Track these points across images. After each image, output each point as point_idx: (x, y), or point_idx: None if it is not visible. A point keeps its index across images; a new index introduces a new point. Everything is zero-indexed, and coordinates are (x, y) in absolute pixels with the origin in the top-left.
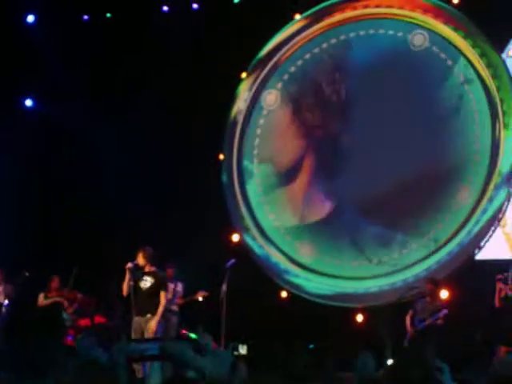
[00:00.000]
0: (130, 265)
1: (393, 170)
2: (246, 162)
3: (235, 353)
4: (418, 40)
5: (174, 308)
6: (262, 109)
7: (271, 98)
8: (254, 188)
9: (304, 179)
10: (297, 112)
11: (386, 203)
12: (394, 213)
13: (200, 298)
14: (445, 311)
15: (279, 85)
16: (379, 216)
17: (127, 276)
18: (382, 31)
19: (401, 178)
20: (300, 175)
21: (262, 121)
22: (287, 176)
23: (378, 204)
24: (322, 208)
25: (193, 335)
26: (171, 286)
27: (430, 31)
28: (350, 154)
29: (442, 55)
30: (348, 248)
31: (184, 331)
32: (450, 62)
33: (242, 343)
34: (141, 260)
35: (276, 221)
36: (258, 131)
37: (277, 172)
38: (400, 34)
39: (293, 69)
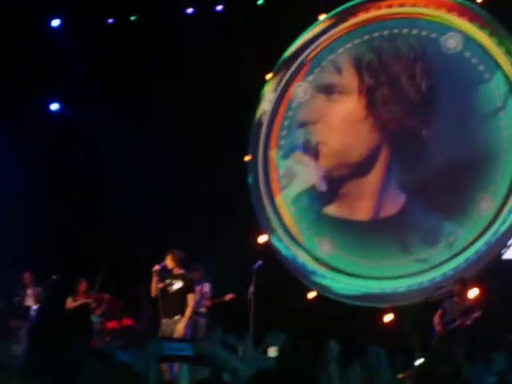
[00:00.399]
0: (156, 267)
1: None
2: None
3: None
4: (452, 43)
5: (202, 310)
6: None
7: (301, 90)
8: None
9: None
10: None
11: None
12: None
13: (228, 300)
14: (477, 313)
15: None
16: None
17: (154, 278)
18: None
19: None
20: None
21: (290, 113)
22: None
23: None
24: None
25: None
26: (198, 287)
27: (456, 30)
28: None
29: (474, 60)
30: (388, 246)
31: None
32: (481, 67)
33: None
34: (169, 262)
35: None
36: (286, 122)
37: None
38: (424, 33)
39: (317, 70)
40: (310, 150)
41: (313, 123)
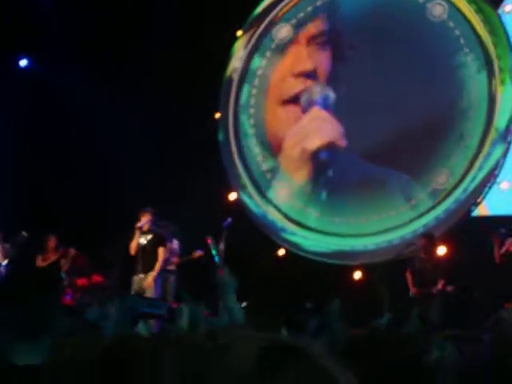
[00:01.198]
0: (139, 224)
1: (394, 122)
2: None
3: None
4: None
5: (171, 267)
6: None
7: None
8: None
9: None
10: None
11: (391, 154)
12: (398, 163)
13: (196, 258)
14: (451, 288)
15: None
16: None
17: (136, 235)
18: None
19: (401, 130)
20: None
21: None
22: None
23: (382, 153)
24: None
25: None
26: (167, 244)
27: None
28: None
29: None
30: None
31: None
32: (451, 23)
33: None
34: (145, 220)
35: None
36: (254, 91)
37: None
38: None
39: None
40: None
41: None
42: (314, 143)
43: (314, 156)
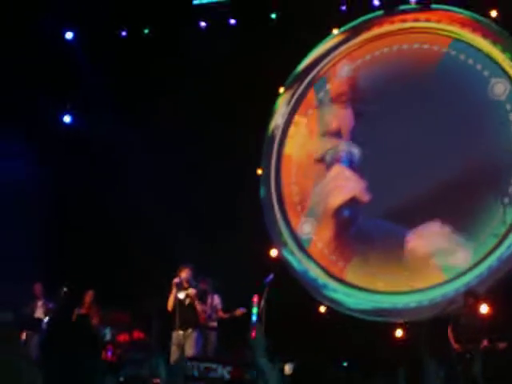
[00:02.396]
0: (176, 280)
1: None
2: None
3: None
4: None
5: (213, 324)
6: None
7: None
8: None
9: None
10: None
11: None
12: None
13: (239, 315)
14: (503, 344)
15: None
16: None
17: (173, 291)
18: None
19: (440, 188)
20: None
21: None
22: None
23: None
24: None
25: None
26: (208, 300)
27: (470, 46)
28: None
29: (486, 73)
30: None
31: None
32: (491, 79)
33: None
34: (184, 275)
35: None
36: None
37: None
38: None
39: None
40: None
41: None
42: (336, 201)
43: (337, 213)
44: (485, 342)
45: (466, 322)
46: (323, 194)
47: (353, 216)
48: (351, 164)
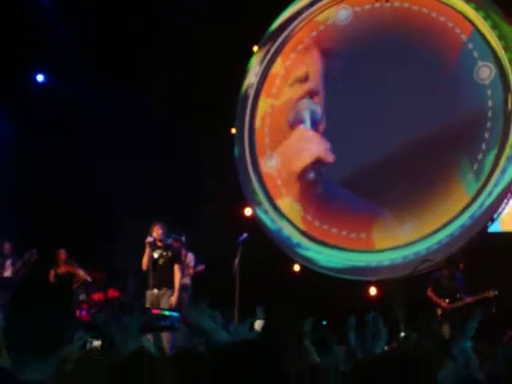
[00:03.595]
0: (149, 239)
1: (401, 136)
2: None
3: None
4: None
5: (186, 282)
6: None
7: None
8: None
9: None
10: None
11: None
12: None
13: (199, 270)
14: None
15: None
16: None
17: (147, 250)
18: None
19: (408, 146)
20: None
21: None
22: None
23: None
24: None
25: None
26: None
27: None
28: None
29: (457, 30)
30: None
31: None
32: (463, 37)
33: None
34: (157, 234)
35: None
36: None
37: None
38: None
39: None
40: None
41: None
42: (301, 163)
43: (302, 176)
44: (468, 299)
45: (448, 283)
46: (286, 157)
47: (318, 177)
48: (313, 123)
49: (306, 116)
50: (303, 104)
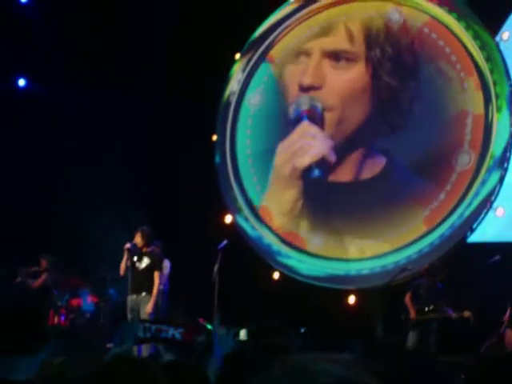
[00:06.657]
0: (128, 245)
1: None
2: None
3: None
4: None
5: (161, 288)
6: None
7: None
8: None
9: None
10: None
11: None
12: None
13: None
14: (468, 314)
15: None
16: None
17: (125, 256)
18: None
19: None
20: None
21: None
22: None
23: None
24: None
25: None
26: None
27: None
28: None
29: (440, 42)
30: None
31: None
32: (447, 49)
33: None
34: (138, 240)
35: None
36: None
37: None
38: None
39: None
40: (316, 118)
41: (318, 88)
42: (304, 161)
43: (305, 174)
44: (449, 312)
45: (425, 292)
46: (289, 153)
47: (322, 177)
48: (315, 120)
49: (309, 112)
50: (305, 99)
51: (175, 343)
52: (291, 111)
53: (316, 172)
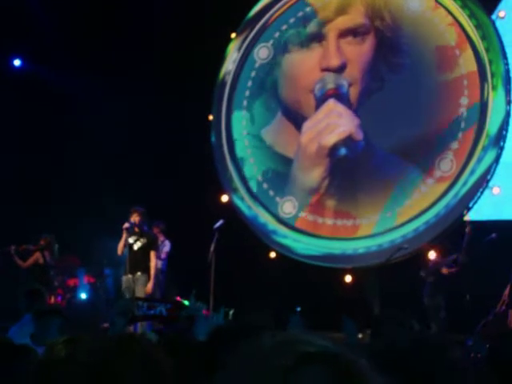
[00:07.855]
0: (127, 225)
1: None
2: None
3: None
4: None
5: (159, 267)
6: (255, 62)
7: (264, 52)
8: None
9: None
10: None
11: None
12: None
13: None
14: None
15: (270, 42)
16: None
17: (124, 236)
18: None
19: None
20: None
21: (253, 73)
22: None
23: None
24: None
25: (186, 302)
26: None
27: None
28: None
29: (435, 19)
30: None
31: (178, 298)
32: (441, 26)
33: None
34: (136, 220)
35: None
36: (249, 83)
37: None
38: None
39: (284, 27)
40: (342, 96)
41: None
42: (331, 140)
43: (332, 152)
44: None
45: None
46: (316, 131)
47: (348, 155)
48: (341, 98)
49: (337, 89)
50: (330, 77)
51: (161, 319)
52: (316, 90)
53: (343, 150)
